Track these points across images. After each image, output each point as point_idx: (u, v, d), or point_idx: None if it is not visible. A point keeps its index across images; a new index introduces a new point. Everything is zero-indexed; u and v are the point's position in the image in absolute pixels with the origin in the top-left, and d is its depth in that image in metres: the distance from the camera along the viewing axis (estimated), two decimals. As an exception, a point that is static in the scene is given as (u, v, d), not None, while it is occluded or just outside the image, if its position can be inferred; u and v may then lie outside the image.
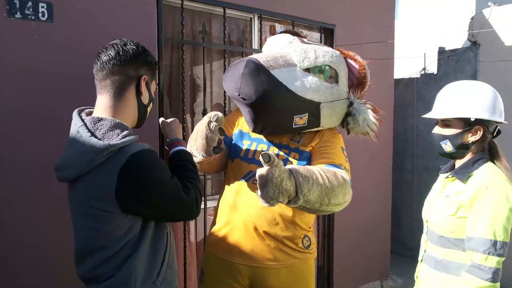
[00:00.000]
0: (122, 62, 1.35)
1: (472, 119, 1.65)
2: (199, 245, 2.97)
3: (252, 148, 1.87)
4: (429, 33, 5.72)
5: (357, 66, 1.96)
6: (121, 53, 1.35)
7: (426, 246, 1.81)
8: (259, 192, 1.46)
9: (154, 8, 2.50)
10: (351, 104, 1.90)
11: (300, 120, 1.79)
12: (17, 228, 2.07)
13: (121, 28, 2.37)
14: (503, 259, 1.54)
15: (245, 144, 1.90)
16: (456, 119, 1.68)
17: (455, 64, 4.68)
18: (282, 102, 1.71)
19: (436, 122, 1.81)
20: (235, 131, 1.97)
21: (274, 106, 1.71)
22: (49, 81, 2.13)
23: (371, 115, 1.89)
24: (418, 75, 5.08)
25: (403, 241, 5.18)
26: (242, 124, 1.96)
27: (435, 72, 4.93)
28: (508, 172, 1.68)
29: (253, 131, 1.84)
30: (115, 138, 1.27)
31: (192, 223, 2.89)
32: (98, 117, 1.32)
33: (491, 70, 4.33)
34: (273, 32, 3.26)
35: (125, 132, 1.30)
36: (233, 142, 1.96)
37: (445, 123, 1.73)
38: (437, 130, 1.76)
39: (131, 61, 1.35)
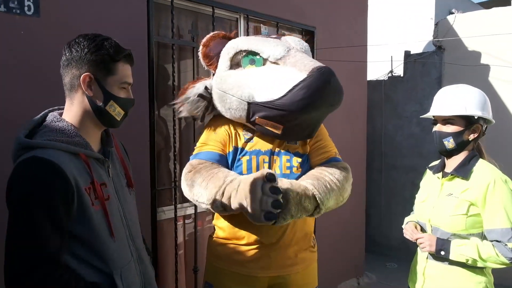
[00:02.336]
0: (68, 63, 1.30)
1: (476, 117, 1.78)
2: (188, 251, 2.87)
3: (253, 162, 1.79)
4: (394, 36, 5.94)
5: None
6: (66, 55, 1.31)
7: None
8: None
9: (145, 6, 2.39)
10: None
11: None
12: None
13: (110, 26, 2.24)
14: None
15: (244, 161, 1.79)
16: (459, 117, 1.80)
17: (421, 67, 4.89)
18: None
19: (433, 121, 1.91)
20: (229, 149, 1.82)
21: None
22: (34, 78, 1.97)
23: None
24: (386, 78, 5.26)
25: (372, 238, 5.34)
26: (234, 140, 1.83)
27: (402, 75, 5.13)
28: (496, 166, 1.84)
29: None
30: (38, 138, 1.24)
31: (181, 230, 2.80)
32: (57, 118, 1.32)
33: (455, 74, 4.58)
34: (257, 33, 3.23)
35: (54, 136, 1.24)
36: (229, 159, 1.83)
37: (448, 121, 1.84)
38: (439, 128, 1.87)
39: (76, 61, 1.29)
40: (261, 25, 3.25)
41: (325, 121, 4.05)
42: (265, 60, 1.76)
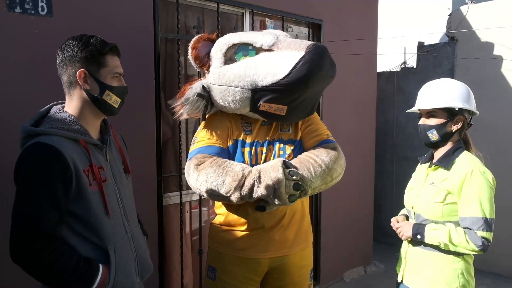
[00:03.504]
0: (63, 64, 1.45)
1: (456, 109, 1.85)
2: (194, 235, 3.05)
3: (253, 153, 1.91)
4: (408, 27, 5.90)
5: None
6: (60, 57, 1.45)
7: None
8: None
9: (151, 3, 2.54)
10: None
11: None
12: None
13: (119, 23, 2.40)
14: (492, 233, 1.77)
15: (245, 152, 1.92)
16: (441, 110, 1.88)
17: (434, 58, 4.87)
18: None
19: (419, 115, 1.99)
20: (230, 142, 1.94)
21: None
22: (50, 76, 2.14)
23: None
24: (399, 69, 5.26)
25: (383, 228, 5.38)
26: (234, 133, 1.95)
27: (415, 66, 5.12)
28: (480, 159, 1.91)
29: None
30: (42, 127, 1.39)
31: (187, 215, 2.97)
32: (60, 109, 1.48)
33: (467, 65, 4.54)
34: (263, 27, 3.33)
35: (56, 124, 1.39)
36: (231, 152, 1.96)
37: (431, 114, 1.92)
38: (423, 121, 1.95)
39: (69, 61, 1.43)
40: (267, 19, 3.34)
41: (335, 113, 4.15)
42: (258, 50, 1.87)
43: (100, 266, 1.39)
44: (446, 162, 1.88)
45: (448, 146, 1.93)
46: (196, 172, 1.83)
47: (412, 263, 1.95)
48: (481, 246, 1.74)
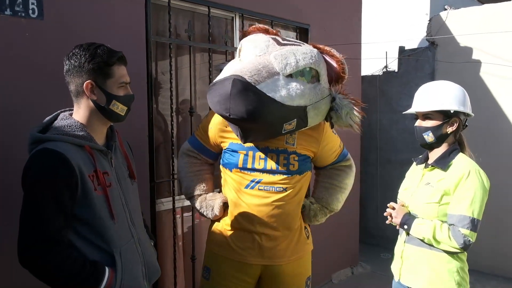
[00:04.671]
0: (70, 73, 1.46)
1: (452, 111, 1.89)
2: (186, 241, 3.01)
3: (250, 157, 1.90)
4: (389, 31, 6.04)
5: (334, 61, 1.92)
6: (67, 66, 1.46)
7: None
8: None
9: (143, 7, 2.51)
10: (333, 99, 1.88)
11: (289, 126, 1.80)
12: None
13: (111, 27, 2.36)
14: (476, 234, 1.82)
15: (241, 155, 1.91)
16: (437, 112, 1.92)
17: (415, 62, 4.99)
18: (273, 115, 1.70)
19: (415, 117, 2.03)
20: (225, 143, 1.96)
21: (265, 121, 1.70)
22: (40, 79, 2.09)
23: (353, 109, 1.90)
24: (381, 73, 5.36)
25: (368, 230, 5.47)
26: (231, 136, 1.94)
27: (396, 70, 5.23)
28: (473, 160, 1.96)
29: (244, 143, 1.85)
30: (48, 132, 1.42)
31: (179, 220, 2.93)
32: (66, 116, 1.50)
33: (447, 69, 4.68)
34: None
35: (62, 131, 1.41)
36: (225, 151, 1.98)
37: (427, 116, 1.96)
38: (419, 123, 2.00)
39: (76, 71, 1.44)
40: (256, 23, 3.34)
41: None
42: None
43: (107, 269, 1.40)
44: (443, 163, 1.92)
45: (444, 147, 1.97)
46: (179, 165, 2.17)
47: (409, 261, 1.98)
48: (462, 244, 1.78)
